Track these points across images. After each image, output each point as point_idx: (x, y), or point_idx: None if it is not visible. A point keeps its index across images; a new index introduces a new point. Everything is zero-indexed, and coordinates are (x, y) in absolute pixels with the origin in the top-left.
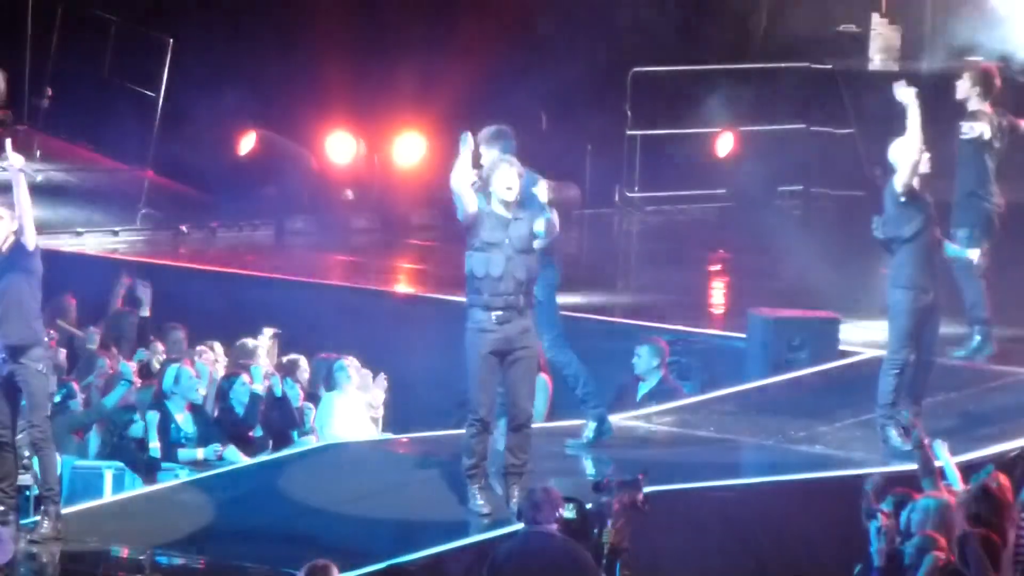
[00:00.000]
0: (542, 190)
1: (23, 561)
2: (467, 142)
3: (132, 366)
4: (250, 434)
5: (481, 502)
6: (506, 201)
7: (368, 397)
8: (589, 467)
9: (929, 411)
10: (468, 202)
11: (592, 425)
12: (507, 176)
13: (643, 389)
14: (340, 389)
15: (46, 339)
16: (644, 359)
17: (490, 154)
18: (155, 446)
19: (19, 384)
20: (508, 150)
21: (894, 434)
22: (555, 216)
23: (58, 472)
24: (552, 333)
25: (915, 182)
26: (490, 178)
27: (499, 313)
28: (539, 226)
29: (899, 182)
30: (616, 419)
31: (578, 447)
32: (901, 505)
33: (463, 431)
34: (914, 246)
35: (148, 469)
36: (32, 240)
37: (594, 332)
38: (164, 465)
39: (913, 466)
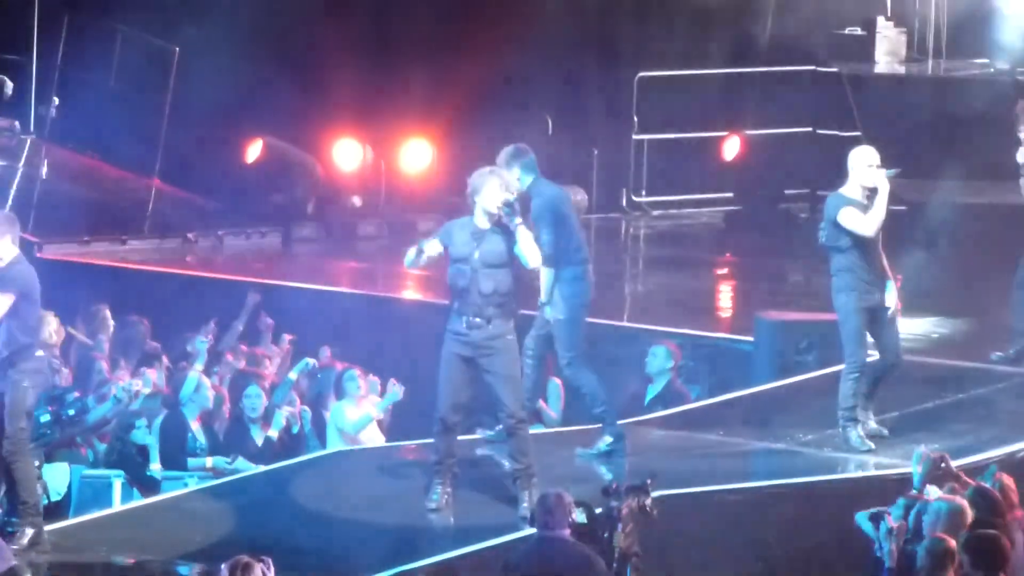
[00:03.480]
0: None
1: (37, 571)
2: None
3: (138, 383)
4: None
5: (435, 496)
6: (489, 212)
7: (376, 403)
8: (598, 472)
9: (937, 413)
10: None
11: (608, 439)
12: (493, 192)
13: (651, 392)
14: (350, 398)
15: (38, 353)
16: (659, 360)
17: (513, 174)
18: (156, 467)
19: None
20: (529, 167)
21: (855, 436)
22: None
23: (50, 488)
24: (571, 353)
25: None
26: (480, 190)
27: (467, 319)
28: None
29: (855, 228)
30: (624, 423)
31: (588, 456)
32: (911, 508)
33: (470, 436)
34: (851, 253)
35: (147, 486)
36: None
37: (602, 336)
38: (172, 474)
39: (885, 471)
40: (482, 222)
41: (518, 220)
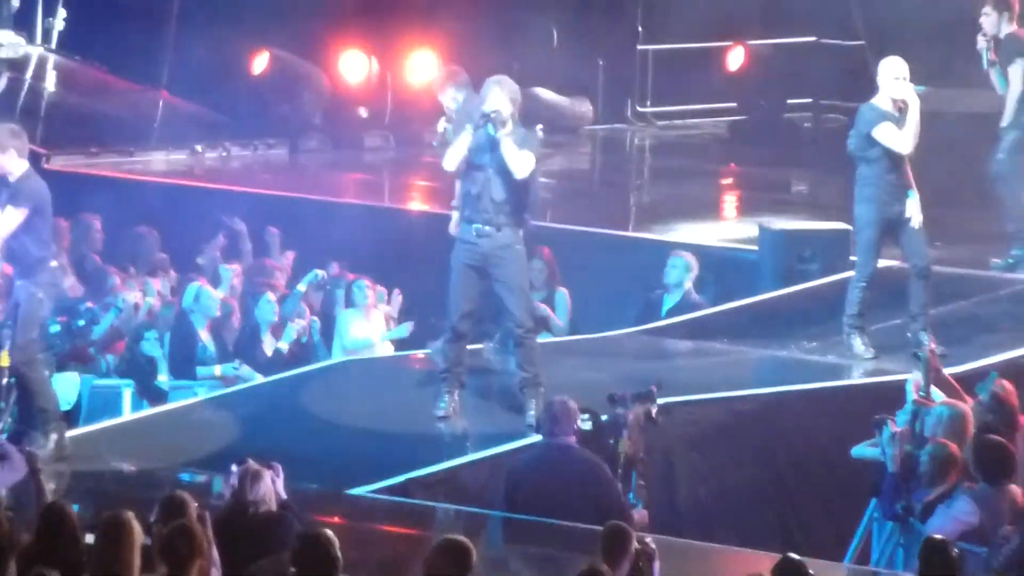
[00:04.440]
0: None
1: (47, 479)
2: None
3: (137, 295)
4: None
5: (443, 404)
6: (498, 121)
7: (384, 312)
8: (604, 380)
9: (938, 319)
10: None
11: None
12: (493, 96)
13: (668, 303)
14: (357, 307)
15: (53, 264)
16: (678, 270)
17: (445, 96)
18: (163, 379)
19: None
20: (463, 86)
21: (858, 343)
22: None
23: (60, 397)
24: None
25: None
26: (485, 97)
27: (478, 227)
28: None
29: (890, 143)
30: (632, 332)
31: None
32: (916, 413)
33: (479, 346)
34: (878, 164)
35: (155, 397)
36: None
37: (608, 246)
38: (181, 383)
39: (888, 377)
40: (489, 130)
41: (503, 131)
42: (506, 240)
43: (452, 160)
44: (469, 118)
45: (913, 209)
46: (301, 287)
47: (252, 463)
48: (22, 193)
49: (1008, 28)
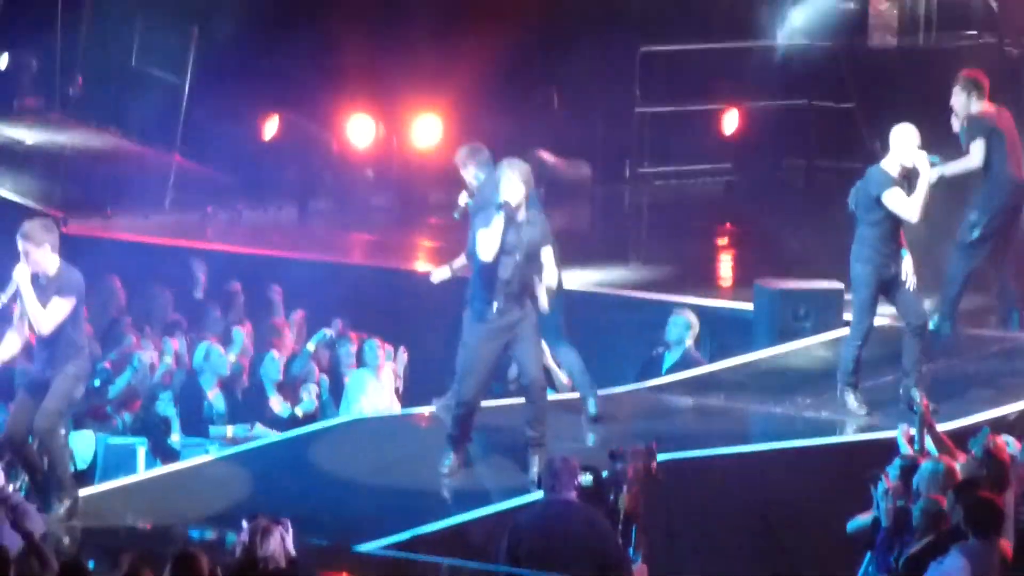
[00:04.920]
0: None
1: (63, 534)
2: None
3: (152, 353)
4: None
5: (448, 462)
6: (517, 206)
7: (392, 371)
8: (604, 436)
9: (930, 376)
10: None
11: (592, 401)
12: (508, 183)
13: (669, 359)
14: (368, 367)
15: (87, 351)
16: (678, 328)
17: (467, 173)
18: (175, 438)
19: (49, 383)
20: (484, 164)
21: (852, 399)
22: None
23: (76, 455)
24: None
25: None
26: (500, 185)
27: (499, 305)
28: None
29: (901, 212)
30: (632, 389)
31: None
32: (911, 470)
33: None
34: (880, 227)
35: (168, 455)
36: (42, 328)
37: (607, 305)
38: (193, 441)
39: (882, 434)
40: (518, 214)
41: (519, 216)
42: (524, 312)
43: (490, 250)
44: (491, 200)
45: (908, 269)
46: (310, 346)
47: (263, 519)
48: (68, 285)
49: (978, 107)
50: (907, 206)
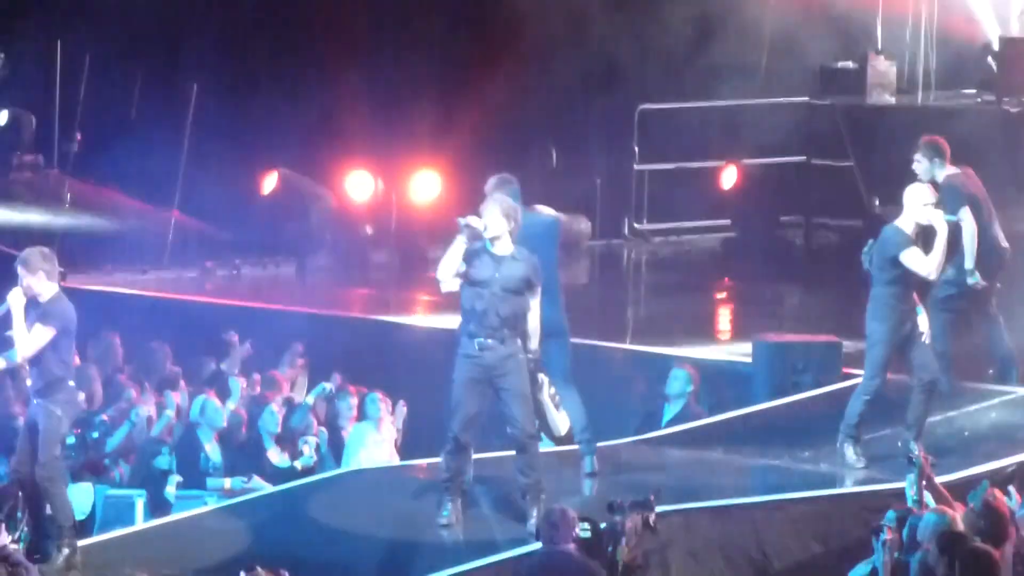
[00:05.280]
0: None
1: None
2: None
3: (150, 408)
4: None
5: (446, 512)
6: (493, 238)
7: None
8: (602, 488)
9: (928, 429)
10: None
11: (589, 459)
12: (487, 213)
13: (668, 413)
14: (370, 420)
15: (71, 384)
16: (680, 382)
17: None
18: (171, 490)
19: (36, 423)
20: (513, 196)
21: (851, 452)
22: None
23: (75, 507)
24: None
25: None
26: (481, 214)
27: (481, 341)
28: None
29: (918, 268)
30: (631, 441)
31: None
32: (903, 520)
33: (480, 455)
34: (896, 286)
35: (163, 508)
36: (21, 352)
37: (608, 358)
38: (190, 493)
39: (880, 486)
40: (498, 248)
41: (497, 246)
42: (509, 351)
43: (443, 270)
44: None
45: (923, 325)
46: (309, 399)
47: (260, 570)
48: (51, 314)
49: (941, 172)
50: (925, 264)
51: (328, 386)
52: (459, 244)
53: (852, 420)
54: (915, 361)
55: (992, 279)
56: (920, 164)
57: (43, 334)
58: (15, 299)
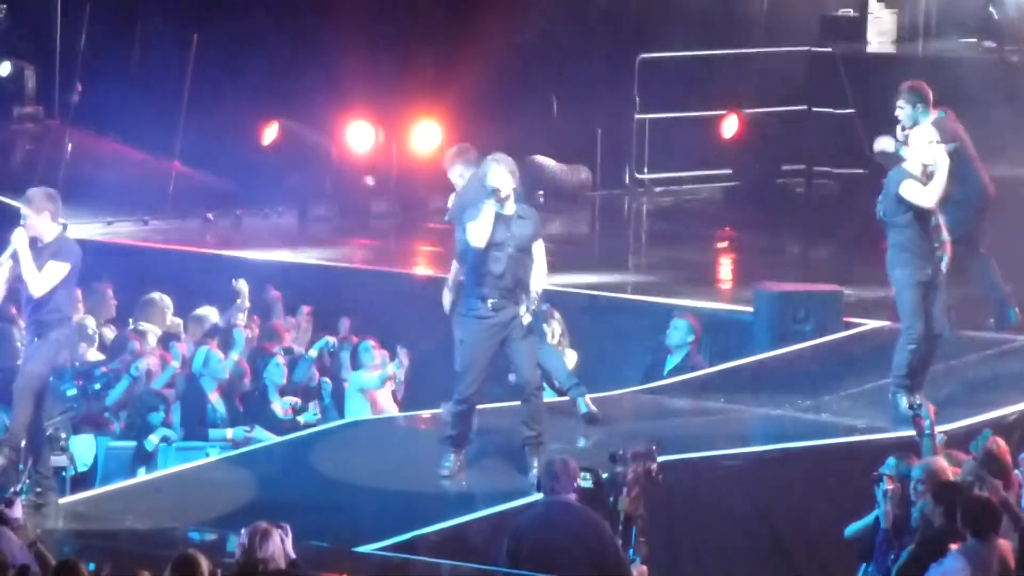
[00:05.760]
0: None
1: (64, 539)
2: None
3: (150, 360)
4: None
5: (447, 463)
6: (504, 199)
7: (390, 372)
8: (604, 439)
9: (930, 379)
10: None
11: (581, 401)
12: (495, 173)
13: (670, 363)
14: (365, 369)
15: (71, 319)
16: (680, 332)
17: (453, 173)
18: (153, 439)
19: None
20: (470, 163)
21: (904, 402)
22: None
23: (76, 459)
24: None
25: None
26: (485, 179)
27: (494, 301)
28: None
29: (917, 200)
30: (632, 392)
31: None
32: (907, 472)
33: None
34: (910, 229)
35: (143, 459)
36: (36, 289)
37: (609, 309)
38: (195, 444)
39: (882, 435)
40: (506, 209)
41: (508, 207)
42: (519, 309)
43: (481, 237)
44: (476, 198)
45: (942, 268)
46: (312, 352)
47: (261, 523)
48: (65, 250)
49: (925, 117)
50: (922, 193)
51: (331, 340)
52: (490, 209)
53: (900, 371)
54: (927, 309)
55: (979, 220)
56: (903, 110)
57: (58, 270)
58: (19, 238)
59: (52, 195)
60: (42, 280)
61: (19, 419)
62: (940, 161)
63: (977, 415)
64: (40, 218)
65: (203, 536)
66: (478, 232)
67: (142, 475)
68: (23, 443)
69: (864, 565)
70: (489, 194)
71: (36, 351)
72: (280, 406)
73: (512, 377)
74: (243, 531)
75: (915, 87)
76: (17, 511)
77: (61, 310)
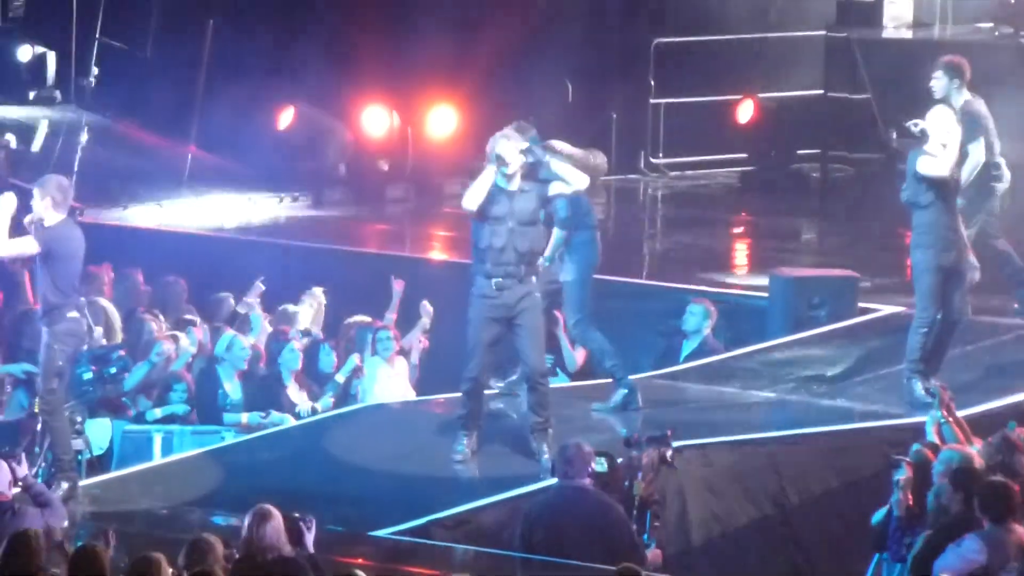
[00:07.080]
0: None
1: (81, 524)
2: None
3: (170, 345)
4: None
5: (461, 448)
6: (507, 174)
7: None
8: (619, 423)
9: (946, 364)
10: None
11: (622, 392)
12: (503, 149)
13: (686, 348)
14: (383, 355)
15: (72, 314)
16: (696, 317)
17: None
18: (156, 412)
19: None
20: (535, 139)
21: (919, 387)
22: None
23: (92, 442)
24: (579, 315)
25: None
26: (493, 152)
27: (499, 280)
28: (555, 188)
29: (930, 171)
30: (648, 376)
31: (604, 410)
32: (924, 460)
33: (492, 391)
34: (932, 210)
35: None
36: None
37: (624, 294)
38: (210, 428)
39: (898, 421)
40: (504, 183)
41: (513, 182)
42: (526, 289)
43: (472, 197)
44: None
45: (966, 258)
46: (340, 378)
47: (264, 506)
48: (46, 235)
49: (958, 96)
50: (935, 164)
51: (357, 362)
52: (489, 173)
53: (914, 355)
54: (946, 295)
55: (992, 207)
56: (939, 81)
57: (22, 244)
58: (6, 200)
59: (63, 186)
60: (5, 246)
61: (57, 438)
62: (955, 133)
63: (994, 400)
64: (43, 202)
65: (220, 520)
66: (470, 194)
67: (157, 459)
68: (38, 426)
69: (877, 555)
70: (492, 161)
71: (40, 368)
72: (295, 392)
73: (513, 377)
74: (248, 515)
75: (955, 62)
76: (25, 468)
77: (48, 300)
